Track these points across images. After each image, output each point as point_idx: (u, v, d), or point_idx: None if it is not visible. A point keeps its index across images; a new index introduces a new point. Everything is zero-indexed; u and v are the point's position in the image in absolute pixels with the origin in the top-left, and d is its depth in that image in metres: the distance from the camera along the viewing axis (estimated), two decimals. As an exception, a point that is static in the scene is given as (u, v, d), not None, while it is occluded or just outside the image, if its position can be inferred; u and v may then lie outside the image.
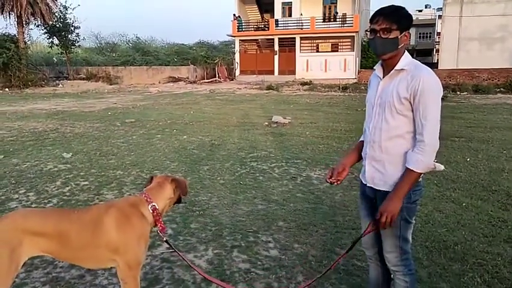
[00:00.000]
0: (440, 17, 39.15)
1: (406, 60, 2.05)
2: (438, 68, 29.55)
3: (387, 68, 2.11)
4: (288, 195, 4.97)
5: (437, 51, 41.56)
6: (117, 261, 2.21)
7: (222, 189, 5.21)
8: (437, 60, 35.51)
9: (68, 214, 2.37)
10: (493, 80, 25.67)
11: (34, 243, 2.12)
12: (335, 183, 2.35)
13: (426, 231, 3.83)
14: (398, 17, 2.02)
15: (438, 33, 40.55)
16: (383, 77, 2.13)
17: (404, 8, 2.07)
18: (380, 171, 2.14)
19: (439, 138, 2.05)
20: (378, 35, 2.03)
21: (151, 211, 2.27)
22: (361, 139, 2.39)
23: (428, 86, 1.96)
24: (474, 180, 5.53)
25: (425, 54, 51.22)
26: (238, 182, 5.52)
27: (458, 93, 22.30)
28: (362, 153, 2.29)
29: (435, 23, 52.67)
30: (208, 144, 8.15)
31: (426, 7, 63.43)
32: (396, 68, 2.05)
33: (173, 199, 2.42)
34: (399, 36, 2.01)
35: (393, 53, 2.04)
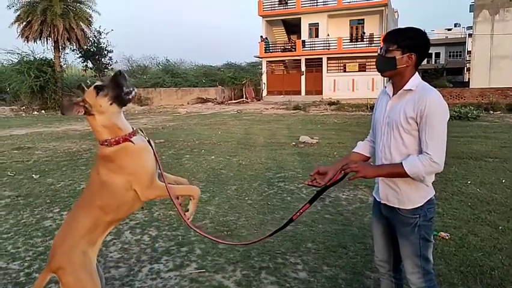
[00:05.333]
0: (470, 35, 38.50)
1: (415, 81, 2.11)
2: (470, 87, 28.95)
3: (397, 88, 2.17)
4: (317, 216, 4.92)
5: (468, 69, 40.77)
6: (137, 189, 2.20)
7: (249, 210, 5.21)
8: (468, 79, 34.82)
9: (83, 194, 2.41)
10: (528, 99, 24.87)
11: (93, 236, 2.22)
12: (316, 184, 2.30)
13: (461, 256, 3.70)
14: (398, 38, 2.12)
15: (469, 52, 39.84)
16: (392, 96, 2.19)
17: (412, 30, 2.13)
18: (393, 189, 2.18)
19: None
20: (380, 52, 2.16)
21: (108, 143, 2.16)
22: (354, 150, 2.48)
23: (434, 107, 2.00)
24: (510, 202, 5.32)
25: (455, 73, 50.27)
26: (266, 203, 5.51)
27: (491, 112, 21.70)
28: None
29: (465, 42, 51.75)
30: (236, 164, 8.19)
31: (455, 26, 62.47)
32: (404, 88, 2.12)
33: (106, 116, 2.14)
34: (397, 57, 2.09)
35: (391, 72, 2.14)
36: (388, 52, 2.12)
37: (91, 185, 2.31)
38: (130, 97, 2.15)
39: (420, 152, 2.07)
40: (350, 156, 2.48)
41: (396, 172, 2.07)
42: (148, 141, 2.26)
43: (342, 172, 2.17)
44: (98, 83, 2.15)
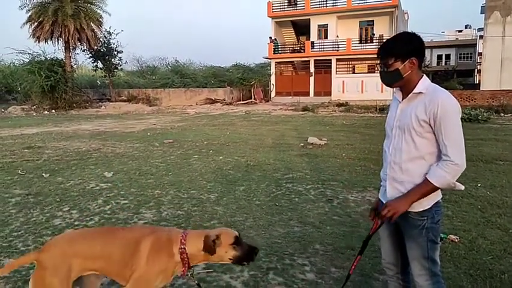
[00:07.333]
0: (481, 37, 38.18)
1: (424, 83, 2.10)
2: (481, 89, 28.70)
3: (406, 92, 2.17)
4: (325, 218, 4.91)
5: (479, 71, 40.44)
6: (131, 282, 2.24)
7: (257, 210, 5.21)
8: (479, 81, 34.52)
9: (113, 233, 2.45)
10: (539, 101, 24.55)
11: (82, 265, 2.23)
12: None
13: (470, 259, 3.67)
14: (393, 50, 2.10)
15: (480, 54, 39.52)
16: (402, 100, 2.19)
17: (402, 36, 2.15)
18: (402, 192, 2.16)
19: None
20: (381, 69, 2.16)
21: (179, 253, 2.25)
22: None
23: (446, 108, 2.00)
24: (521, 205, 5.27)
25: (466, 75, 49.86)
26: (274, 203, 5.51)
27: (502, 114, 21.47)
28: (381, 174, 2.34)
29: (476, 43, 51.29)
30: (244, 164, 8.20)
31: (466, 27, 62.01)
32: (414, 91, 2.11)
33: (208, 255, 2.25)
34: (400, 67, 2.08)
35: (400, 82, 2.14)
36: (389, 66, 2.11)
37: (130, 228, 2.47)
38: (242, 264, 2.34)
39: (434, 154, 2.07)
40: None
41: (427, 190, 2.06)
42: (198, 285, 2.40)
43: (379, 221, 2.20)
44: (243, 239, 2.32)
